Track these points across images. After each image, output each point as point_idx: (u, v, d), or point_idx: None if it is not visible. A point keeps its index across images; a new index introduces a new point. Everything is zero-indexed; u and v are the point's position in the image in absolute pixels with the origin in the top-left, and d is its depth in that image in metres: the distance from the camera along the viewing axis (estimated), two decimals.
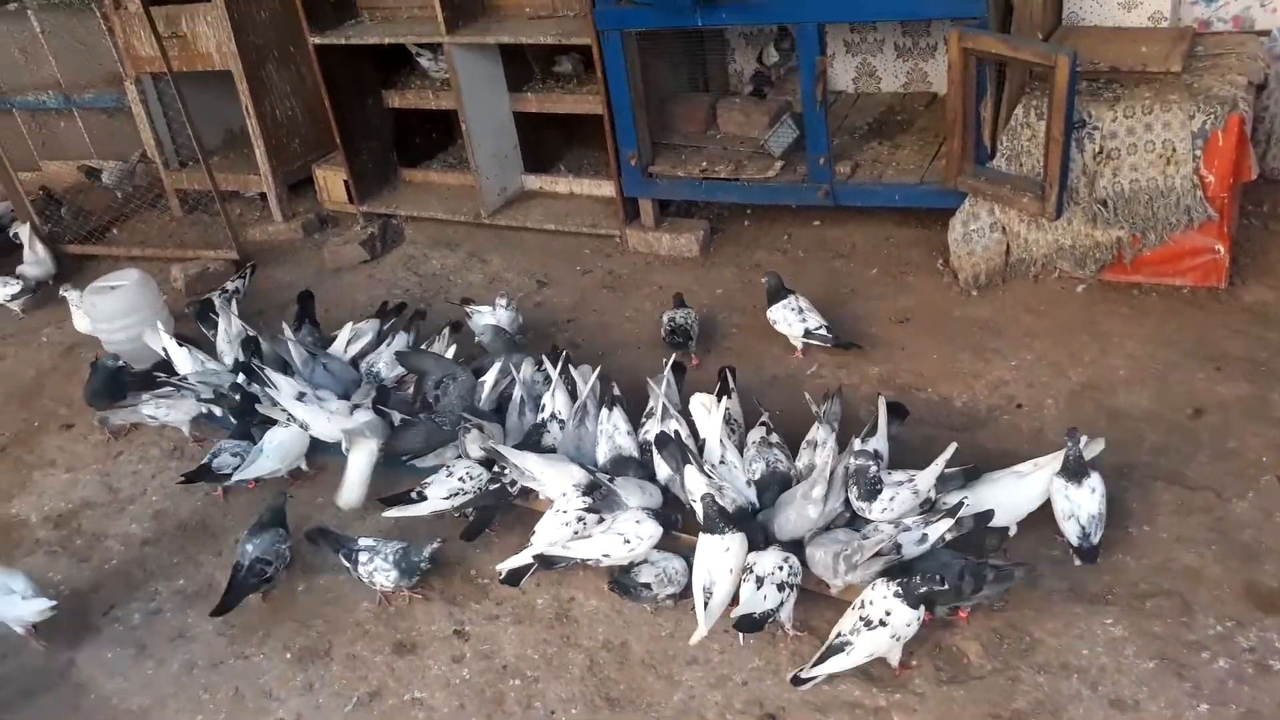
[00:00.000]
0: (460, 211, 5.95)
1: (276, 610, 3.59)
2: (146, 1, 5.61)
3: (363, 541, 3.51)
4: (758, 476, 3.49)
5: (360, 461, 3.83)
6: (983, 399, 3.96)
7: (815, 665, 2.92)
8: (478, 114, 5.66)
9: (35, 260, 5.98)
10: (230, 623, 3.55)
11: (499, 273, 5.49)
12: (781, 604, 3.05)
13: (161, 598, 3.74)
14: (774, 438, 3.61)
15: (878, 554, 2.99)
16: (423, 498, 3.67)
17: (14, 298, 5.82)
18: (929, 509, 3.23)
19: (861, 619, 2.88)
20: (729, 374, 3.89)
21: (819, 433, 3.53)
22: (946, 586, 2.86)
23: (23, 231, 6.05)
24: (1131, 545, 3.24)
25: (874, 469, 3.27)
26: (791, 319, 4.31)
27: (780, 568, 3.08)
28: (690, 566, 3.21)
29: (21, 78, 7.11)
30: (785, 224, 5.37)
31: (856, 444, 3.36)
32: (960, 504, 3.11)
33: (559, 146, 6.25)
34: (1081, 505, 3.14)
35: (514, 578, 3.43)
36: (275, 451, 3.96)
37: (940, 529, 3.06)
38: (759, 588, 3.05)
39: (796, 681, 2.95)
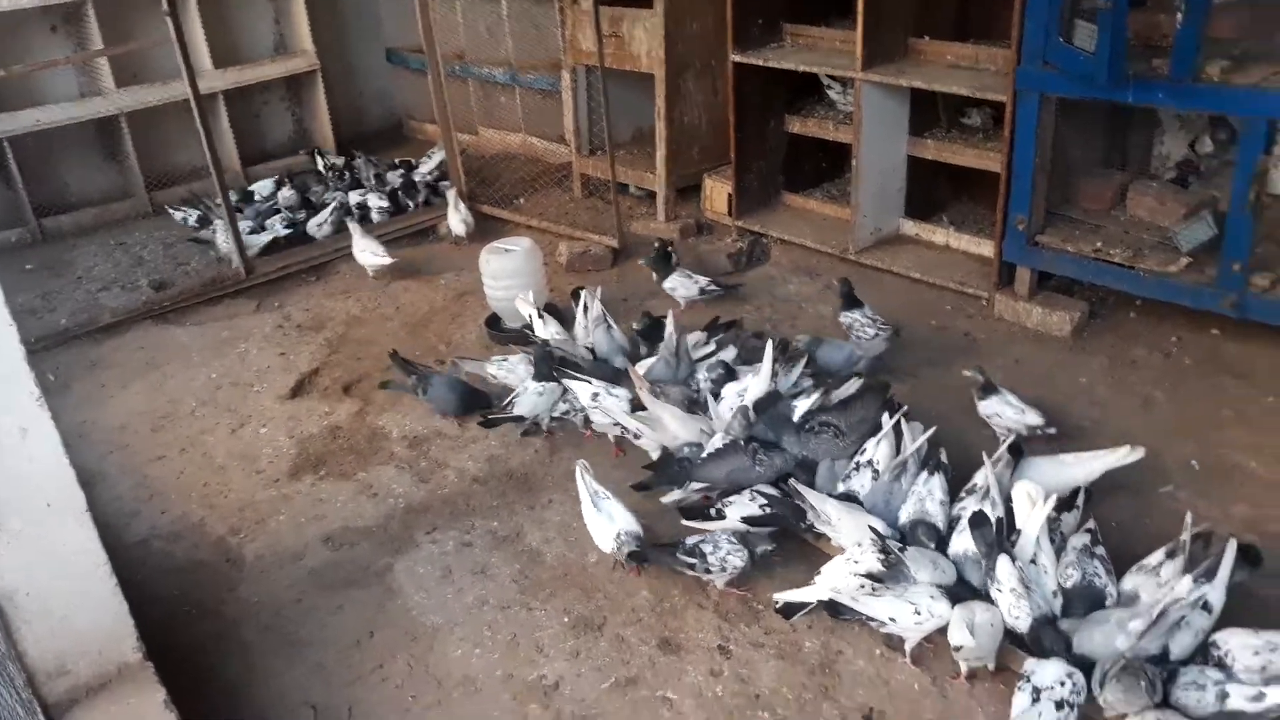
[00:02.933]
0: (829, 243, 5.98)
1: (567, 575, 3.82)
2: (598, 1, 6.14)
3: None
4: (1068, 585, 3.21)
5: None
6: None
7: None
8: (872, 152, 5.66)
9: (460, 218, 6.73)
10: (526, 574, 3.83)
11: None
12: None
13: (475, 533, 4.09)
14: (1099, 550, 3.29)
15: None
16: (721, 515, 3.76)
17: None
18: None
19: None
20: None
21: (1166, 568, 3.17)
22: None
23: (450, 191, 6.88)
24: None
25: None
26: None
27: (1062, 683, 2.83)
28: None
29: (481, 52, 8.05)
30: (1175, 325, 4.87)
31: (1187, 584, 2.98)
32: None
33: (945, 196, 6.10)
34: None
35: (789, 610, 3.44)
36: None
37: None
38: (1034, 702, 2.81)
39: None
